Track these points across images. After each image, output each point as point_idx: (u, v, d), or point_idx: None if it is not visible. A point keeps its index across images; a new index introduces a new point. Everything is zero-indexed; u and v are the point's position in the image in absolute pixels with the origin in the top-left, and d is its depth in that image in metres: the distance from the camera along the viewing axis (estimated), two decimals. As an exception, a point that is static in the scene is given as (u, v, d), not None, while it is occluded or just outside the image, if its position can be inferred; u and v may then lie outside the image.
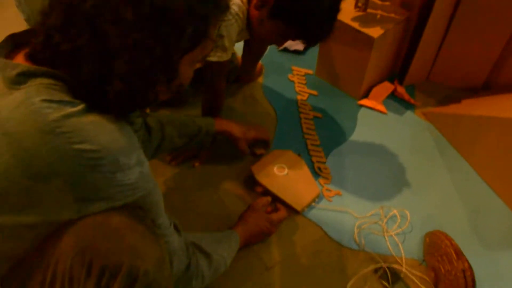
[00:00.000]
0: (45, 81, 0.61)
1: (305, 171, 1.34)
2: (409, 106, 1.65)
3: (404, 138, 1.53)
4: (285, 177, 1.31)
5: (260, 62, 1.69)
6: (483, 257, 1.19)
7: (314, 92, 1.68)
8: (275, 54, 1.85)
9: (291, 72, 1.77)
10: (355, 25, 1.49)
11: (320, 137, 1.50)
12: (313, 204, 1.29)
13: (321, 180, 1.36)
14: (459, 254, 1.11)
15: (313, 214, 1.27)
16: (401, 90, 1.67)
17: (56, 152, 0.58)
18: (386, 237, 1.23)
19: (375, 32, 1.46)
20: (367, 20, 1.51)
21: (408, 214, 1.28)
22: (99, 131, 0.61)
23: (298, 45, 1.86)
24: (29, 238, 0.64)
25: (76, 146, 0.59)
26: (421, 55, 1.61)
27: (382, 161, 1.45)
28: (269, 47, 1.74)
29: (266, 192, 1.28)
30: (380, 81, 1.72)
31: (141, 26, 0.61)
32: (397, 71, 1.75)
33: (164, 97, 0.72)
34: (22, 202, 0.60)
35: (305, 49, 1.87)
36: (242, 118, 1.55)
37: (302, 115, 1.58)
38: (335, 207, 1.29)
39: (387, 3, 1.57)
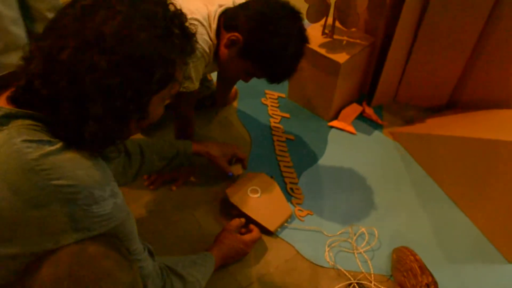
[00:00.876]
0: (26, 122, 0.66)
1: (278, 192, 1.39)
2: (377, 126, 1.72)
3: (373, 158, 1.59)
4: (258, 199, 1.36)
5: (234, 86, 1.75)
6: (448, 270, 1.25)
7: (287, 115, 1.74)
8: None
9: (264, 95, 1.83)
10: (322, 51, 1.56)
11: (292, 159, 1.55)
12: (285, 224, 1.34)
13: (294, 201, 1.41)
14: (423, 268, 1.17)
15: (286, 234, 1.32)
16: (369, 111, 1.74)
17: (37, 188, 0.63)
18: (355, 254, 1.28)
19: (341, 57, 1.53)
20: (333, 46, 1.59)
21: (376, 232, 1.33)
22: (75, 167, 0.66)
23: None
24: (10, 268, 0.68)
25: (55, 182, 0.64)
26: (386, 77, 1.69)
27: (352, 180, 1.51)
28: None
29: (241, 214, 1.32)
30: (349, 103, 1.78)
31: (114, 73, 0.66)
32: (365, 93, 1.82)
33: (136, 133, 0.78)
34: (6, 234, 0.65)
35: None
36: (218, 141, 1.59)
37: (275, 138, 1.63)
38: (307, 227, 1.34)
39: (353, 29, 1.65)
